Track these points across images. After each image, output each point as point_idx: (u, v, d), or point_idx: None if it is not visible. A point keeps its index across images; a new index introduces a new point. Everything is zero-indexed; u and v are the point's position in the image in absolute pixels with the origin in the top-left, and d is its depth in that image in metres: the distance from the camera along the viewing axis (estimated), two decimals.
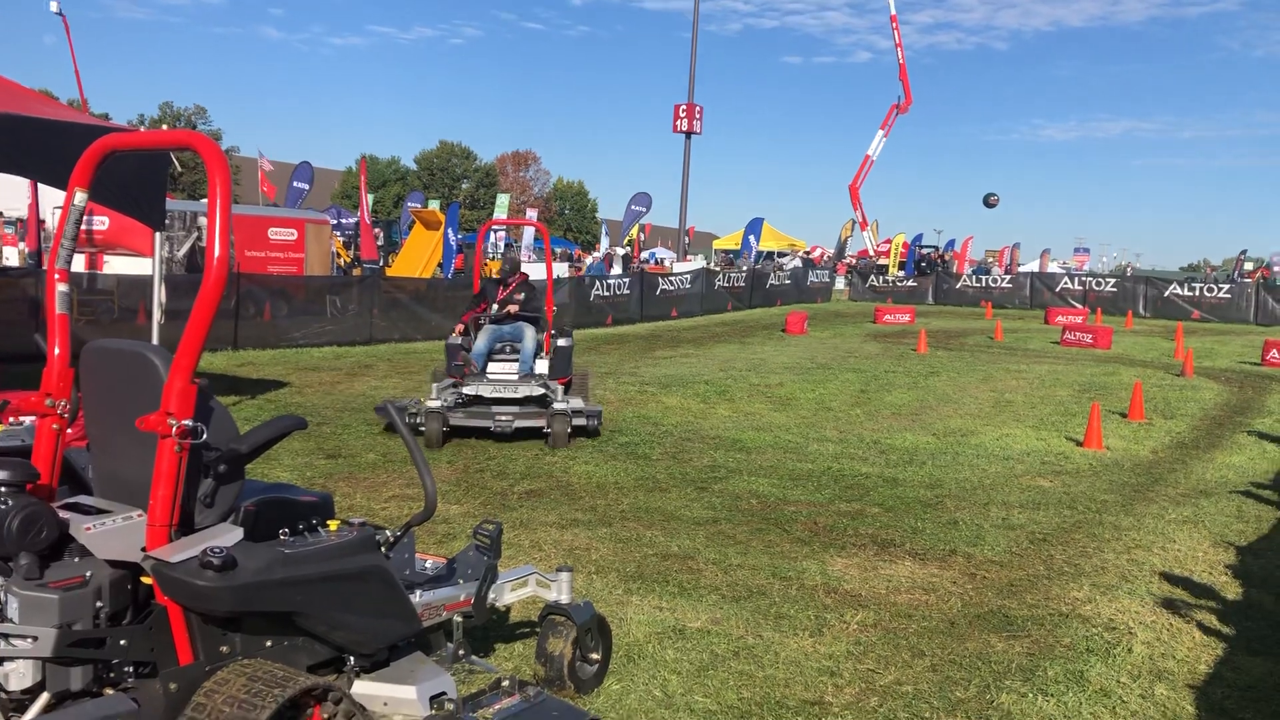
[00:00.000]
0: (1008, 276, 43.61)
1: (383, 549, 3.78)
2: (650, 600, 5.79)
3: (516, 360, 10.69)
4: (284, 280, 19.93)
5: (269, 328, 18.17)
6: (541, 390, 10.39)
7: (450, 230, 25.83)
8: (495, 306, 10.88)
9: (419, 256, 25.40)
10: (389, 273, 25.23)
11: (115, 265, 18.64)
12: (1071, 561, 6.86)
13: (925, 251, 50.81)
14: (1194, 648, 5.37)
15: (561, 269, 33.24)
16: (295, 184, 33.96)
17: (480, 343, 10.65)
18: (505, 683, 4.03)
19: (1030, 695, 4.67)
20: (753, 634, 5.33)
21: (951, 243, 56.59)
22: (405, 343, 19.67)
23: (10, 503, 3.09)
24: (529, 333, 10.77)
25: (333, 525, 3.71)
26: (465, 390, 10.30)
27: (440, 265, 25.92)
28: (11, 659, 3.01)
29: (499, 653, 4.90)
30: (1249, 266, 55.62)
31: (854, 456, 10.22)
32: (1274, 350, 21.09)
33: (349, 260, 30.38)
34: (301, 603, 3.42)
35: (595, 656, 4.60)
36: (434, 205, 40.58)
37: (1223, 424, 13.12)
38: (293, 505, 3.65)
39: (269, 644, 3.49)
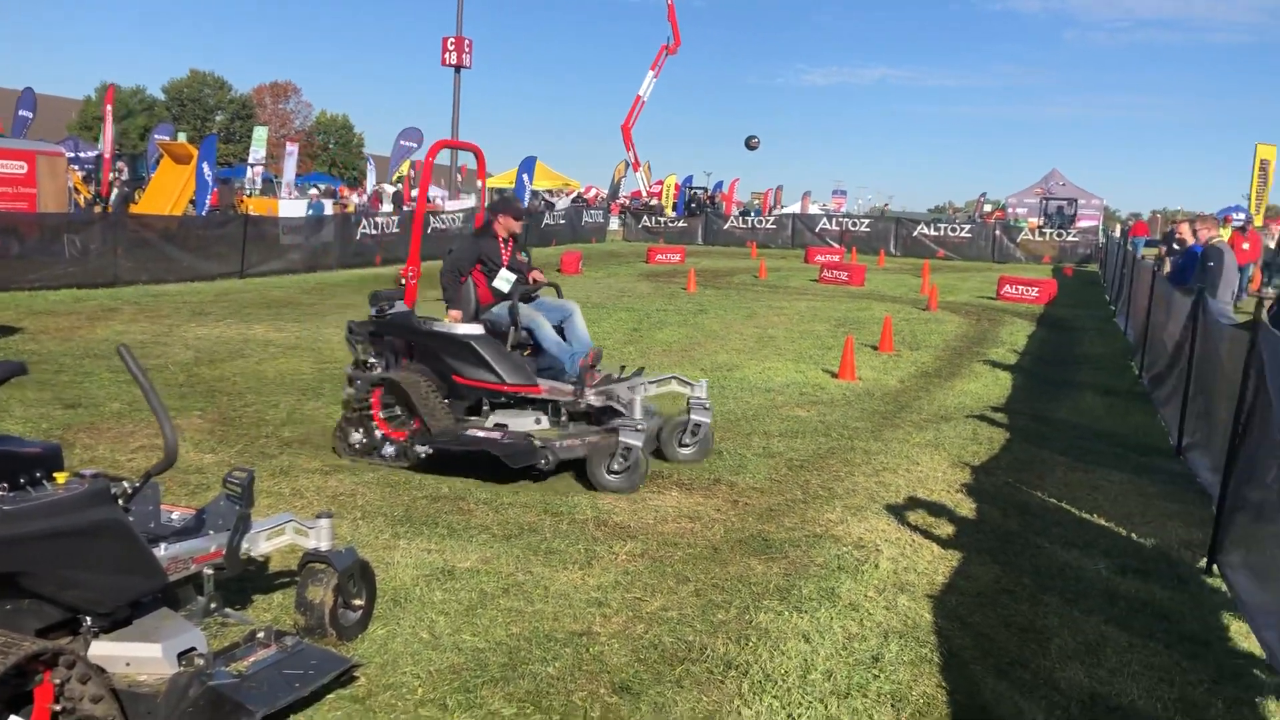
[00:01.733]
0: (771, 218, 45.21)
1: (120, 501, 3.53)
2: (419, 543, 5.70)
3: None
4: (13, 217, 18.14)
5: None
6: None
7: (206, 165, 24.23)
8: (508, 273, 7.87)
9: (168, 193, 23.71)
10: (134, 209, 23.46)
11: None
12: (826, 485, 7.23)
13: (695, 193, 51.89)
14: (933, 560, 5.78)
15: (326, 205, 32.00)
16: (20, 113, 30.97)
17: (549, 336, 7.68)
18: (261, 634, 3.87)
19: (786, 613, 4.90)
20: (523, 570, 5.33)
21: (720, 184, 58.04)
22: (155, 284, 18.39)
23: None
24: (576, 309, 8.09)
25: (60, 478, 3.43)
26: (592, 401, 7.42)
27: (193, 202, 24.31)
28: None
29: (258, 605, 4.69)
30: (988, 209, 60.00)
31: None
32: (1007, 285, 22.89)
33: (89, 196, 28.04)
34: (24, 562, 3.15)
35: (358, 603, 4.48)
36: (183, 138, 37.96)
37: (962, 354, 14.15)
38: (11, 457, 3.35)
39: None
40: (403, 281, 7.76)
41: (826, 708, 3.99)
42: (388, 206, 35.57)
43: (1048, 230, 40.72)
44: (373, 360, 7.56)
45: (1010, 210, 56.92)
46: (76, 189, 26.67)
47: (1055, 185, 57.59)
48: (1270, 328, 5.59)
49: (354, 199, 38.01)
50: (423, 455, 7.07)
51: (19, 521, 3.10)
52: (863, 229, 40.71)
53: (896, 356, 13.45)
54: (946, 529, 6.39)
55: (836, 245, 37.20)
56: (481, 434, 7.08)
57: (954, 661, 4.48)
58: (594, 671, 4.24)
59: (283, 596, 4.76)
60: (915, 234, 39.38)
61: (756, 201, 63.13)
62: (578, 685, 4.11)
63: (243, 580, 4.73)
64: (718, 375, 11.61)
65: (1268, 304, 6.75)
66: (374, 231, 25.28)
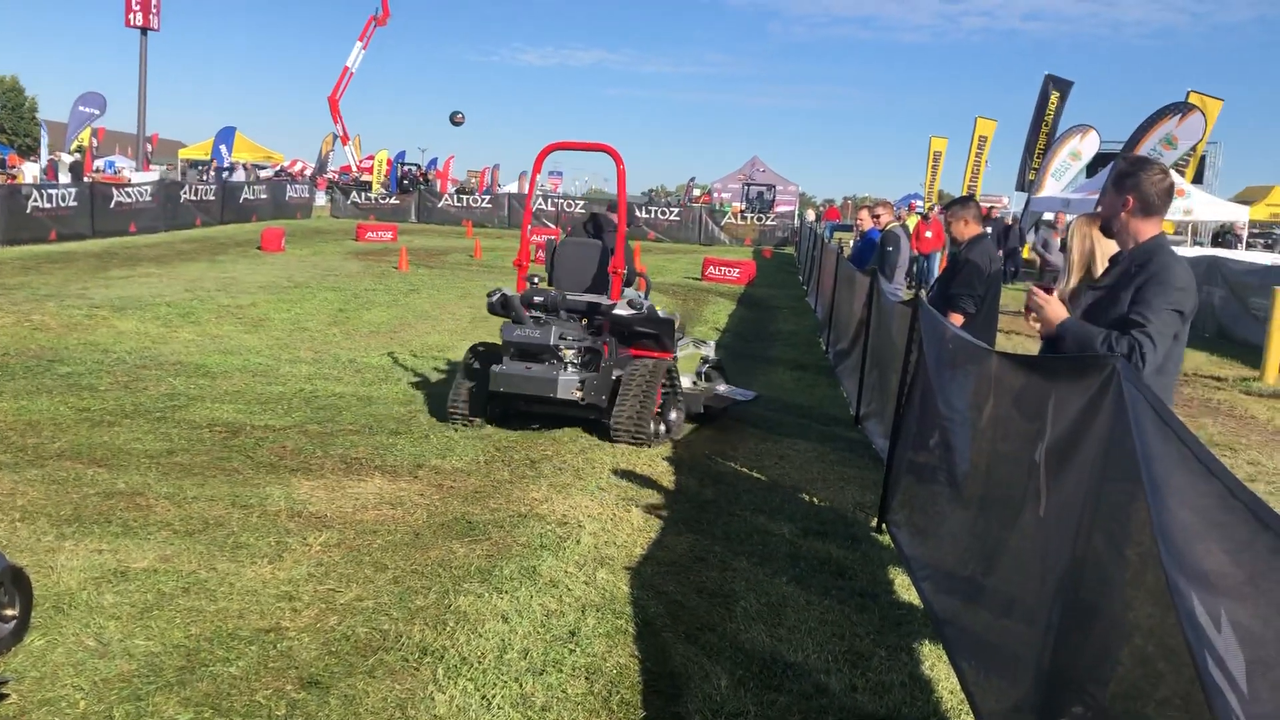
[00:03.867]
0: (488, 197, 44.98)
1: None
2: (88, 543, 5.23)
3: None
4: None
5: None
6: None
7: None
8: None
9: None
10: None
11: None
12: (533, 465, 7.28)
13: (408, 169, 50.78)
14: (632, 533, 5.95)
15: None
16: None
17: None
18: None
19: (486, 595, 4.89)
20: (206, 568, 5.02)
21: (434, 161, 57.10)
22: None
23: None
24: None
25: None
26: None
27: None
28: None
29: None
30: (697, 193, 62.44)
31: (328, 377, 9.99)
32: (711, 267, 23.94)
33: None
34: None
35: (11, 613, 4.05)
36: None
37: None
38: None
39: None
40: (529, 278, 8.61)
41: (521, 686, 4.01)
42: (65, 177, 32.50)
43: (749, 214, 42.92)
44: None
45: (716, 195, 59.52)
46: None
47: (757, 171, 60.82)
48: (929, 306, 6.13)
49: (25, 169, 34.43)
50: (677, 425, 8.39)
51: None
52: (579, 210, 41.29)
53: None
54: (647, 501, 6.59)
55: (553, 226, 37.51)
56: (724, 390, 9.17)
57: (647, 630, 4.62)
58: (281, 668, 4.05)
59: None
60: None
61: (473, 180, 62.61)
62: (262, 683, 3.91)
63: None
64: (427, 357, 11.42)
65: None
66: (48, 205, 22.99)
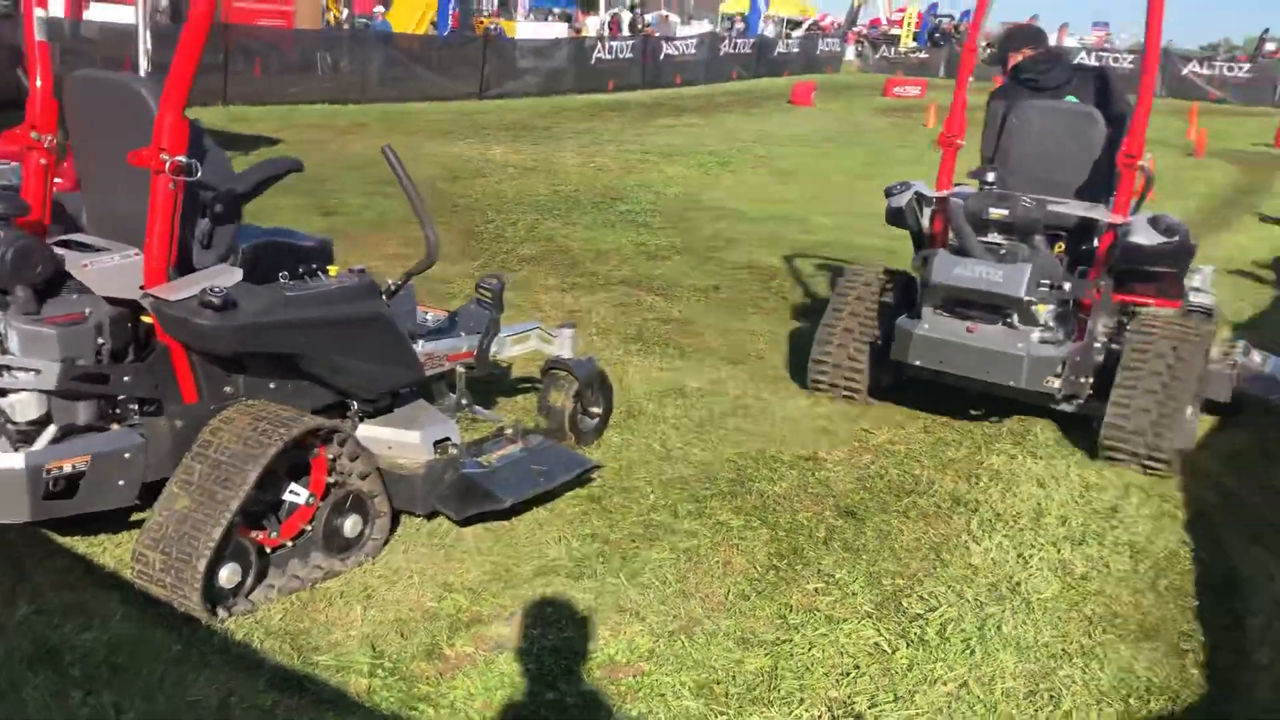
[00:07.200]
0: None
1: (384, 297, 3.76)
2: (651, 361, 5.84)
3: None
4: (274, 34, 19.13)
5: (260, 83, 17.60)
6: None
7: None
8: None
9: (411, 12, 24.31)
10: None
11: (98, 12, 17.82)
12: None
13: (940, 21, 48.77)
14: None
15: (560, 28, 31.93)
16: None
17: None
18: (509, 431, 4.10)
19: (1020, 457, 4.76)
20: (751, 395, 5.39)
21: (967, 13, 54.28)
22: (401, 103, 19.09)
23: (2, 235, 3.02)
24: None
25: (333, 270, 3.67)
26: None
27: (434, 23, 24.85)
28: (16, 391, 3.02)
29: (502, 406, 4.96)
30: (1271, 47, 53.65)
31: (855, 229, 10.11)
32: None
33: (339, 15, 29.10)
34: (304, 345, 3.43)
35: (596, 410, 4.66)
36: None
37: (1230, 205, 12.96)
38: (292, 249, 3.60)
39: (272, 386, 3.51)
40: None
41: (1059, 551, 3.90)
42: (626, 31, 35.21)
43: None
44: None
45: None
46: (328, 7, 27.73)
47: None
48: None
49: (589, 23, 37.83)
50: None
51: (301, 307, 3.36)
52: (1126, 64, 37.34)
53: (1156, 205, 12.43)
54: None
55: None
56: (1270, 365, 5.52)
57: (1200, 521, 4.26)
58: (819, 494, 4.29)
59: (525, 401, 5.00)
60: (1185, 72, 35.78)
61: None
62: (803, 505, 4.17)
63: (488, 383, 4.99)
64: None
65: None
66: (608, 57, 25.17)
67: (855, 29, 48.26)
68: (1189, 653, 3.31)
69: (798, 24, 46.01)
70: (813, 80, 28.42)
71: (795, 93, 24.49)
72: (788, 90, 25.38)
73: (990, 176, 4.90)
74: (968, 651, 3.22)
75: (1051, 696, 3.04)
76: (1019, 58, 5.58)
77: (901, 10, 50.46)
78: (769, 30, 41.24)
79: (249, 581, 3.21)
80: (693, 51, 28.76)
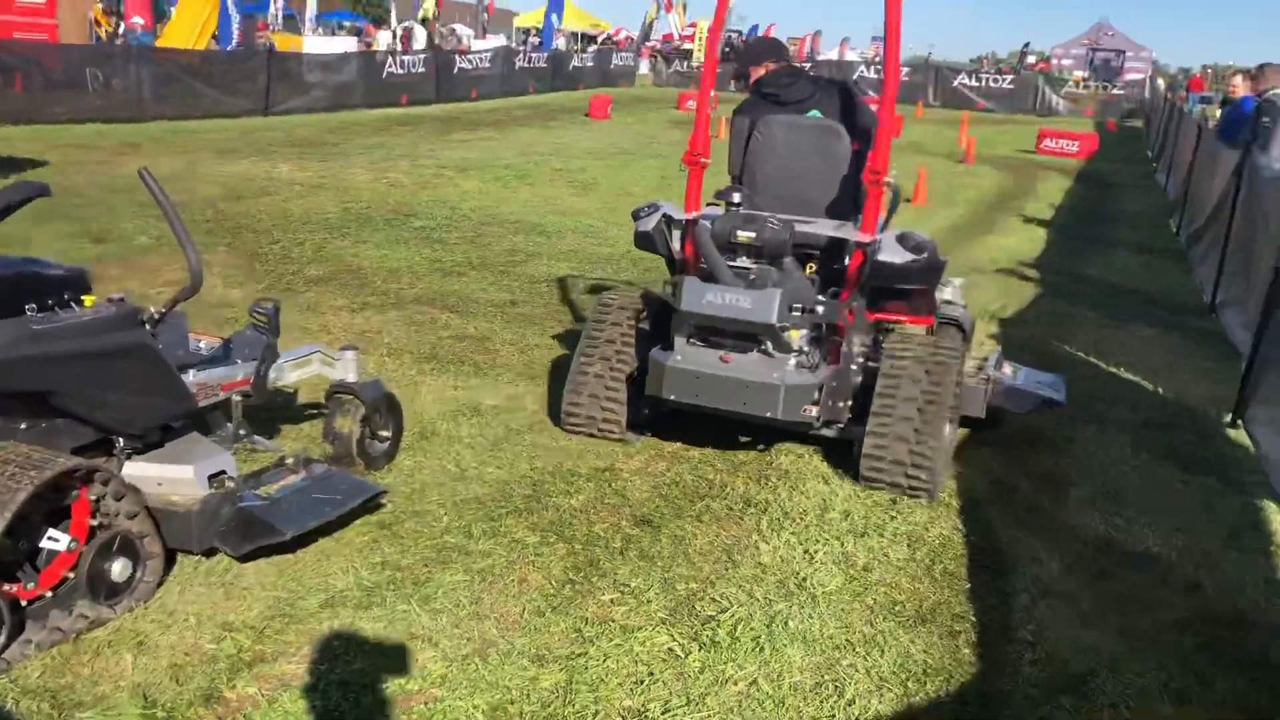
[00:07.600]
0: (810, 64, 43.90)
1: (147, 326, 3.55)
2: (445, 380, 5.75)
3: None
4: (35, 48, 17.87)
5: (22, 99, 16.41)
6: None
7: None
8: None
9: (189, 26, 23.18)
10: (159, 43, 23.01)
11: None
12: None
13: (730, 37, 50.31)
14: None
15: (350, 42, 31.24)
16: None
17: None
18: (289, 460, 3.94)
19: (807, 455, 4.94)
20: (549, 410, 5.38)
21: (755, 29, 56.18)
22: (178, 120, 18.18)
23: None
24: None
25: (89, 301, 3.44)
26: None
27: (215, 37, 23.77)
28: None
29: (287, 434, 4.77)
30: (1031, 59, 57.93)
31: None
32: (1047, 139, 22.31)
33: (110, 29, 27.48)
34: (55, 381, 3.20)
35: (386, 434, 4.54)
36: None
37: (996, 209, 13.90)
38: (39, 279, 3.36)
39: (24, 426, 3.27)
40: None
41: (843, 544, 4.06)
42: (419, 45, 34.70)
43: (1093, 83, 39.41)
44: None
45: (1055, 62, 54.99)
46: (98, 21, 26.17)
47: (1104, 36, 55.50)
48: None
49: (380, 37, 37.09)
50: None
51: (48, 341, 3.13)
52: (902, 78, 39.45)
53: (929, 210, 13.21)
54: None
55: (873, 95, 36.18)
56: (1020, 381, 5.47)
57: (971, 508, 4.52)
58: (616, 505, 4.31)
59: (311, 428, 4.83)
60: (955, 84, 38.16)
61: (793, 47, 61.28)
62: (600, 517, 4.19)
63: (271, 411, 4.80)
64: None
65: None
66: (400, 71, 24.74)
67: (649, 44, 49.16)
68: (961, 634, 3.50)
69: (592, 39, 46.51)
70: (609, 94, 28.78)
71: (592, 106, 24.74)
72: (584, 104, 25.61)
73: (736, 197, 4.73)
74: (757, 649, 3.31)
75: (836, 687, 3.16)
76: (761, 71, 5.34)
77: (693, 26, 51.74)
78: (562, 44, 41.49)
79: (1, 640, 2.97)
80: (487, 65, 28.64)
